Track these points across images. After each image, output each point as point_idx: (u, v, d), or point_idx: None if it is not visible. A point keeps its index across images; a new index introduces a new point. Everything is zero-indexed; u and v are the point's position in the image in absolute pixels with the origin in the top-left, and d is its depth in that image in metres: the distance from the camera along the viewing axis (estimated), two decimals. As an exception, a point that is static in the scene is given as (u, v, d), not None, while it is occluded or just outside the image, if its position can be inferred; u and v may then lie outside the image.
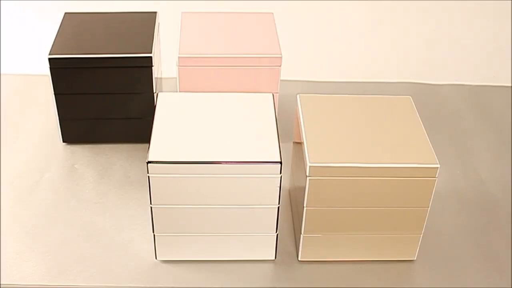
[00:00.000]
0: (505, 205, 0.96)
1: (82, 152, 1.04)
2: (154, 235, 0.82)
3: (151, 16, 1.08)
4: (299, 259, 0.85)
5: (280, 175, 0.76)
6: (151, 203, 0.79)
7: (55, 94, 0.99)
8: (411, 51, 1.60)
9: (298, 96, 0.87)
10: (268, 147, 0.77)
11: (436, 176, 0.78)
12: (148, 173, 0.76)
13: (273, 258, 0.85)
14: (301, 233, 0.82)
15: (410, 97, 0.91)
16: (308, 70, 1.44)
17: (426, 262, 0.86)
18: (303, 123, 0.84)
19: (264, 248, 0.84)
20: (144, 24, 1.05)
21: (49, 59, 0.96)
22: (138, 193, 0.96)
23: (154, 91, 1.00)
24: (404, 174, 0.79)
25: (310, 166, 0.76)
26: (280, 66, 1.00)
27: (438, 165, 0.78)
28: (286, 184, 0.96)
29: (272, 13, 1.11)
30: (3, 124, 1.09)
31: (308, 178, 0.77)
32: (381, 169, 0.78)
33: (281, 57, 0.99)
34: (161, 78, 1.11)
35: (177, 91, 1.01)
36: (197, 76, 1.00)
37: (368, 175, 0.78)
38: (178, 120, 0.82)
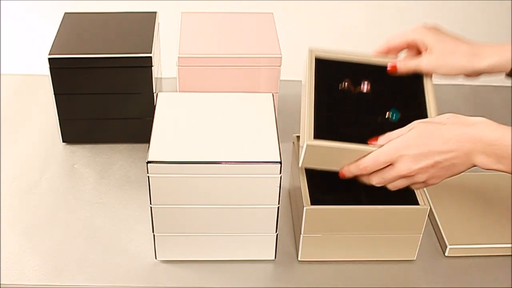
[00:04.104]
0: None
1: (82, 152, 1.04)
2: (154, 235, 0.82)
3: (151, 16, 1.08)
4: (299, 259, 0.85)
5: (280, 175, 0.76)
6: (151, 203, 0.79)
7: (55, 94, 0.99)
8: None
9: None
10: (268, 147, 0.77)
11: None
12: (148, 173, 0.76)
13: (273, 258, 0.85)
14: (301, 233, 0.82)
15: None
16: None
17: (426, 262, 0.86)
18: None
19: (264, 248, 0.84)
20: (144, 24, 1.05)
21: (49, 59, 0.96)
22: (138, 193, 0.96)
23: (154, 91, 1.00)
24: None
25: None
26: (280, 66, 1.00)
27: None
28: (286, 184, 0.96)
29: (272, 13, 1.11)
30: (3, 124, 1.09)
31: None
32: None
33: (281, 57, 0.99)
34: (161, 78, 1.11)
35: (177, 91, 1.01)
36: (197, 76, 1.00)
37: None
38: (178, 120, 0.82)
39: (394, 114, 0.81)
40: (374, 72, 0.86)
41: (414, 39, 0.87)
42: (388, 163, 0.76)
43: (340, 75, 0.85)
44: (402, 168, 0.75)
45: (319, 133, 0.78)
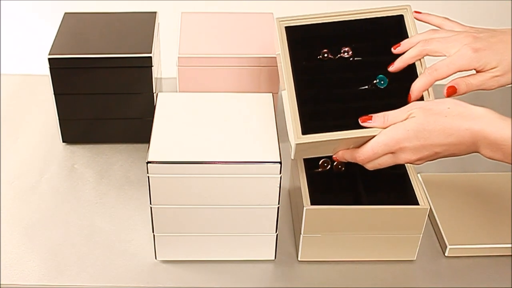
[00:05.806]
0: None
1: (82, 152, 1.04)
2: (154, 235, 0.82)
3: (151, 16, 1.08)
4: (299, 259, 0.85)
5: (280, 175, 0.76)
6: (151, 203, 0.79)
7: (55, 94, 0.99)
8: (411, 51, 1.60)
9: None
10: (268, 147, 0.77)
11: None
12: (148, 173, 0.76)
13: (273, 258, 0.85)
14: (301, 233, 0.82)
15: None
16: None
17: (426, 262, 0.86)
18: None
19: (264, 248, 0.84)
20: (144, 24, 1.05)
21: (49, 59, 0.96)
22: (138, 193, 0.96)
23: (154, 91, 1.00)
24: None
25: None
26: (280, 66, 1.00)
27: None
28: (286, 184, 0.96)
29: (272, 13, 1.11)
30: (3, 124, 1.09)
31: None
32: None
33: (281, 57, 0.99)
34: (161, 78, 1.11)
35: (177, 91, 1.01)
36: (197, 76, 1.00)
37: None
38: (178, 120, 0.82)
39: (382, 81, 0.77)
40: (353, 28, 0.80)
41: (467, 67, 0.80)
42: (386, 153, 0.76)
43: (318, 41, 0.79)
44: (401, 158, 0.75)
45: (306, 125, 0.76)
